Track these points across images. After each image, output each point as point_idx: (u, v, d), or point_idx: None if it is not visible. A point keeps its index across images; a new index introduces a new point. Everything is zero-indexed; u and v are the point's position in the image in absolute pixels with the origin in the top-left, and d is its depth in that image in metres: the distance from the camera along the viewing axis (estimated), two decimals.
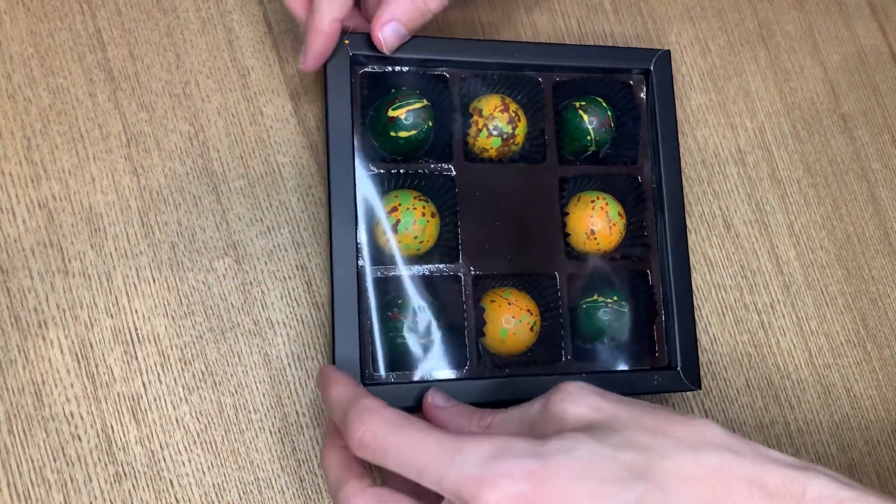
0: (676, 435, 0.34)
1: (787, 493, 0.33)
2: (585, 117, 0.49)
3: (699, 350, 0.52)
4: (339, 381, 0.38)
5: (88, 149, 0.45)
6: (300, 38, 0.49)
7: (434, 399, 0.41)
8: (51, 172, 0.44)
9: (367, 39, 0.45)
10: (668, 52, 0.51)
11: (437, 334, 0.44)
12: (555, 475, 0.32)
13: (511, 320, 0.45)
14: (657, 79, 0.50)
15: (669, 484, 0.32)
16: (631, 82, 0.51)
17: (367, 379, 0.43)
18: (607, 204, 0.48)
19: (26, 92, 0.45)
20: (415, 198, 0.45)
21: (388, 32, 0.44)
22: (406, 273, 0.45)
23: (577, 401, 0.35)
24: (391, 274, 0.44)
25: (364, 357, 0.43)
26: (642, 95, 0.51)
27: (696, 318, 0.53)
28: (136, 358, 0.43)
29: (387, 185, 0.46)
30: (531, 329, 0.46)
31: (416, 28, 0.44)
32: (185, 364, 0.44)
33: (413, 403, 0.42)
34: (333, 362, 0.42)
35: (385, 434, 0.34)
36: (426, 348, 0.43)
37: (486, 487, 0.31)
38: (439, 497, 0.34)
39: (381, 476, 0.45)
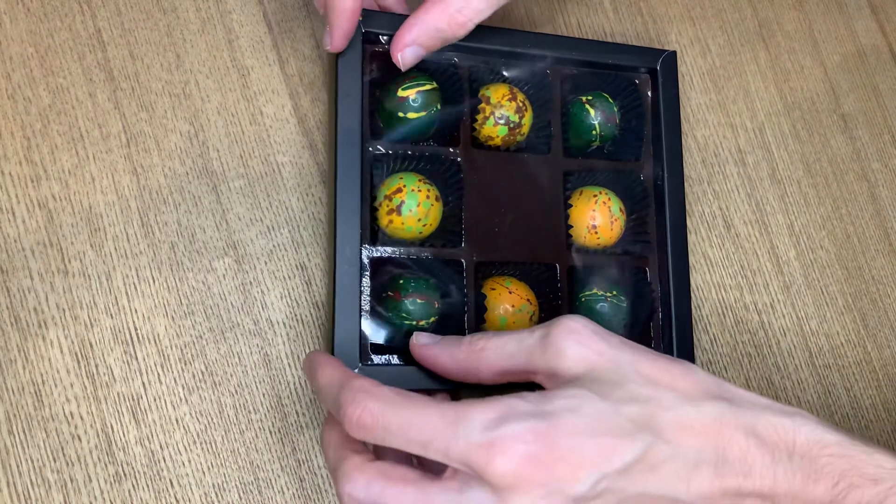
0: (676, 386, 0.35)
1: (780, 440, 0.34)
2: (592, 112, 0.49)
3: (700, 350, 0.52)
4: (327, 365, 0.38)
5: (88, 149, 0.45)
6: (299, 38, 0.49)
7: (419, 338, 0.41)
8: (51, 172, 0.44)
9: (382, 17, 0.45)
10: (675, 52, 0.51)
11: (436, 318, 0.44)
12: (563, 434, 0.32)
13: (510, 309, 0.45)
14: (663, 78, 0.50)
15: (673, 435, 0.33)
16: (637, 81, 0.51)
17: (364, 360, 0.43)
18: (609, 199, 0.48)
19: (26, 92, 0.45)
20: (419, 180, 0.45)
21: (408, 55, 0.44)
22: (407, 255, 0.45)
23: (580, 340, 0.36)
24: (392, 255, 0.44)
25: (363, 338, 0.43)
26: (648, 94, 0.51)
27: (696, 318, 0.53)
28: (136, 358, 0.43)
29: (390, 167, 0.46)
30: (530, 319, 0.46)
31: (434, 51, 0.45)
32: (185, 364, 0.44)
33: (410, 387, 0.42)
34: (332, 341, 0.42)
35: (383, 412, 0.33)
36: (425, 331, 0.43)
37: (497, 453, 0.32)
38: (443, 465, 0.34)
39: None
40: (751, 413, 0.35)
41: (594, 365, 0.35)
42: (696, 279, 0.53)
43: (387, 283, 0.44)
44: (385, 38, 0.46)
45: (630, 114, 0.51)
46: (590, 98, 0.49)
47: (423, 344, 0.41)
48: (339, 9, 0.42)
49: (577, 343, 0.36)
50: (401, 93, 0.45)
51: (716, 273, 0.54)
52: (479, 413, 0.33)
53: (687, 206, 0.54)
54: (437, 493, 0.33)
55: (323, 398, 0.37)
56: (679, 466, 0.33)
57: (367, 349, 0.43)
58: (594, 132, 0.49)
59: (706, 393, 0.35)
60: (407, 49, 0.44)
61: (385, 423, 0.33)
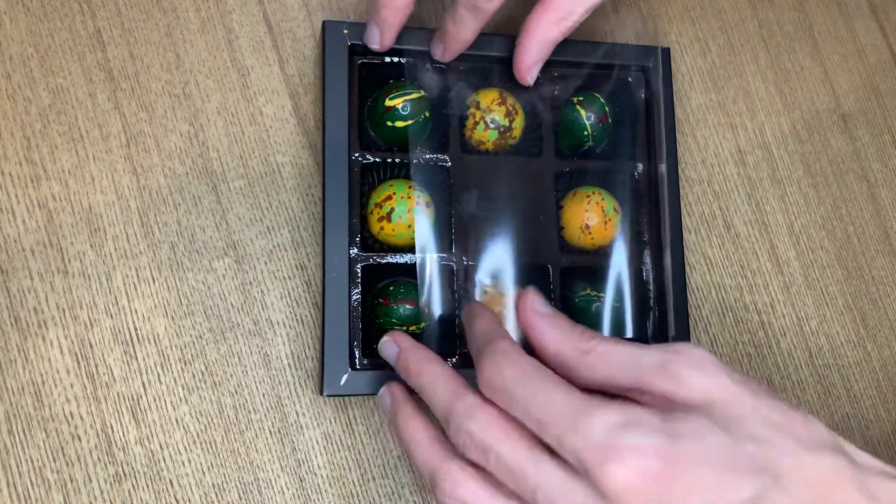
0: (795, 433, 0.34)
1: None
2: (583, 112, 0.49)
3: None
4: (483, 316, 0.38)
5: (88, 149, 0.45)
6: (299, 38, 0.49)
7: (534, 303, 0.38)
8: (51, 172, 0.44)
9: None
10: (668, 49, 0.51)
11: (428, 323, 0.45)
12: (684, 458, 0.32)
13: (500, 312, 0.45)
14: (656, 75, 0.50)
15: (789, 481, 0.33)
16: (630, 79, 0.51)
17: (354, 364, 0.43)
18: (603, 199, 0.48)
19: (26, 92, 0.45)
20: (409, 187, 0.45)
21: (535, 73, 0.47)
22: (398, 261, 0.45)
23: (702, 372, 0.34)
24: (383, 262, 0.45)
25: (353, 342, 0.43)
26: (641, 92, 0.51)
27: (696, 318, 0.53)
28: (136, 358, 0.43)
29: (382, 175, 0.47)
30: None
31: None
32: (185, 364, 0.44)
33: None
34: (322, 347, 0.42)
35: (514, 381, 0.33)
36: (416, 336, 0.44)
37: (614, 459, 0.31)
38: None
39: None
40: (868, 473, 0.34)
41: (714, 399, 0.34)
42: (695, 279, 0.53)
43: (377, 289, 0.45)
44: (371, 52, 0.46)
45: (623, 113, 0.51)
46: (581, 99, 0.50)
47: (538, 312, 0.37)
48: (392, 5, 0.43)
49: (701, 373, 0.34)
50: (388, 102, 0.45)
51: (716, 273, 0.54)
52: (605, 412, 0.32)
53: (687, 206, 0.54)
54: (547, 465, 0.32)
55: (471, 345, 0.37)
56: None
57: (356, 355, 0.43)
58: (586, 133, 0.49)
59: (824, 444, 0.34)
60: (533, 68, 0.47)
61: (512, 391, 0.33)
